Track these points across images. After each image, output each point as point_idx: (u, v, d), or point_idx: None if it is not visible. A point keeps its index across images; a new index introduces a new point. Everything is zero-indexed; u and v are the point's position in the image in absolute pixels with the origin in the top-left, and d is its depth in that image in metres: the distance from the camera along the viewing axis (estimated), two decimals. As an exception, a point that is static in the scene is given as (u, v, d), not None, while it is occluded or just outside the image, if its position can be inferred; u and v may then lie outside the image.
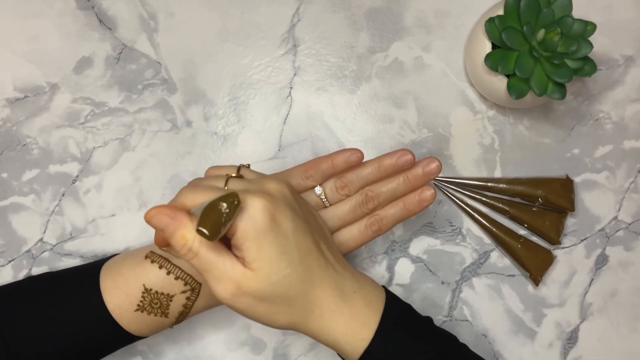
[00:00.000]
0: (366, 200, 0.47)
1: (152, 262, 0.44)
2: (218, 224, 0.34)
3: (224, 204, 0.35)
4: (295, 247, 0.38)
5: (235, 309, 0.38)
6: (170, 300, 0.44)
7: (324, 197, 0.47)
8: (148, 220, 0.37)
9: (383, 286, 0.45)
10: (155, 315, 0.44)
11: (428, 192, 0.47)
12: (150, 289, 0.43)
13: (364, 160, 0.47)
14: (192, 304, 0.44)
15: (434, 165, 0.47)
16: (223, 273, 0.37)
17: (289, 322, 0.40)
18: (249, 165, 0.42)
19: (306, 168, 0.47)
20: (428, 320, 0.46)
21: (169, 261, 0.44)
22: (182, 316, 0.45)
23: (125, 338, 0.45)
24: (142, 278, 0.44)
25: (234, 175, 0.40)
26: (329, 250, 0.42)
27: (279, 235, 0.37)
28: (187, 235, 0.36)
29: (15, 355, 0.42)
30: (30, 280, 0.47)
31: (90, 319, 0.43)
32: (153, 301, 0.43)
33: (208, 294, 0.45)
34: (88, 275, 0.45)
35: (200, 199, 0.36)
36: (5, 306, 0.44)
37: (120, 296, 0.43)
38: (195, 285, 0.44)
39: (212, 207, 0.35)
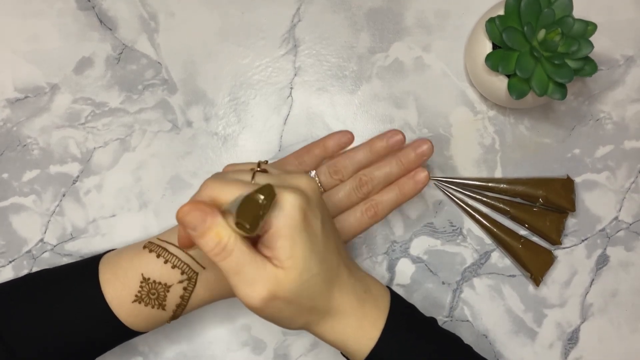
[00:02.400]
0: (360, 185, 0.47)
1: (150, 251, 0.44)
2: (257, 216, 0.33)
3: (261, 196, 0.33)
4: (322, 247, 0.38)
5: (262, 313, 0.37)
6: (168, 291, 0.43)
7: (318, 182, 0.47)
8: (181, 217, 0.35)
9: (387, 286, 0.45)
10: (153, 307, 0.43)
11: (422, 174, 0.47)
12: (148, 279, 0.43)
13: (356, 145, 0.47)
14: (189, 295, 0.44)
15: (425, 146, 0.47)
16: (256, 274, 0.35)
17: (305, 323, 0.39)
18: (267, 161, 0.41)
19: (299, 154, 0.48)
20: (432, 320, 0.46)
21: (167, 250, 0.44)
22: (180, 309, 0.44)
23: (123, 333, 0.44)
24: (141, 268, 0.43)
25: (258, 169, 0.39)
26: (343, 250, 0.42)
27: (310, 233, 0.36)
28: (221, 232, 0.34)
29: (13, 354, 0.42)
30: (29, 277, 0.47)
31: (88, 312, 0.43)
32: (151, 291, 0.43)
33: (205, 288, 0.44)
34: (86, 269, 0.45)
35: (229, 192, 0.35)
36: (4, 305, 0.44)
37: (118, 287, 0.43)
38: (192, 275, 0.44)
39: (249, 199, 0.33)
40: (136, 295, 0.43)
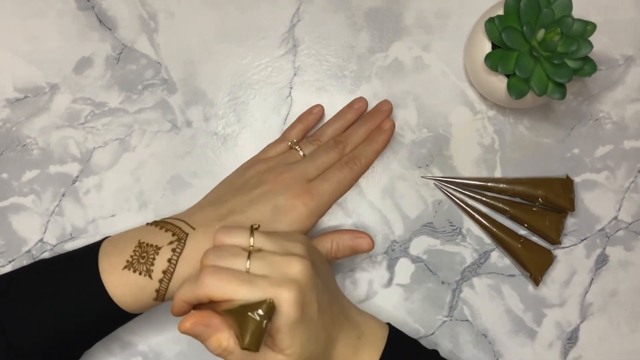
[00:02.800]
0: (335, 142, 0.51)
1: (151, 225, 0.46)
2: (260, 334, 0.36)
3: (261, 312, 0.36)
4: (320, 325, 0.40)
5: None
6: (157, 253, 0.44)
7: (300, 151, 0.51)
8: (183, 331, 0.38)
9: (388, 323, 0.47)
10: (140, 273, 0.44)
11: (388, 123, 0.51)
12: (143, 242, 0.45)
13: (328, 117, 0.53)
14: (177, 260, 0.44)
15: (387, 106, 0.53)
16: None
17: None
18: (258, 226, 0.42)
19: (284, 133, 0.53)
20: (434, 354, 0.47)
21: (165, 221, 0.46)
22: (166, 279, 0.44)
23: (110, 309, 0.44)
24: (139, 236, 0.45)
25: (249, 247, 0.40)
26: (341, 300, 0.45)
27: (309, 321, 0.39)
28: (221, 338, 0.38)
29: (10, 343, 0.43)
30: (37, 261, 0.48)
31: (80, 284, 0.44)
32: (142, 255, 0.44)
33: (194, 250, 0.45)
34: (89, 247, 0.47)
35: (225, 290, 0.37)
36: (4, 293, 0.45)
37: (114, 255, 0.45)
38: (182, 235, 0.45)
39: (249, 319, 0.36)
40: (127, 261, 0.44)
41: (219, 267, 0.38)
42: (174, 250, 0.44)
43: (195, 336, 0.38)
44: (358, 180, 0.50)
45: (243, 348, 0.36)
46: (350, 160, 0.49)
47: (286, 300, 0.37)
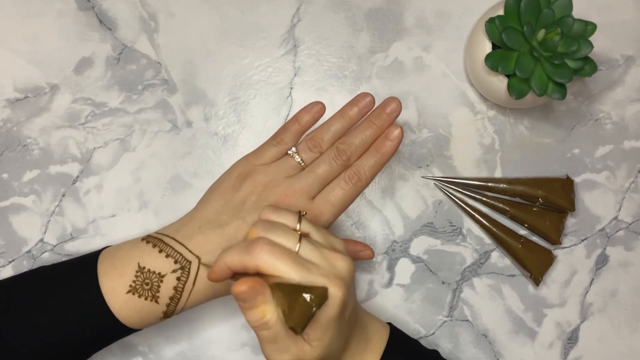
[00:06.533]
0: (339, 153, 0.47)
1: (147, 242, 0.45)
2: (308, 318, 0.36)
3: (313, 298, 0.36)
4: (347, 325, 0.41)
5: None
6: (161, 281, 0.43)
7: (298, 157, 0.47)
8: (237, 293, 0.37)
9: (389, 323, 0.48)
10: (146, 298, 0.43)
11: (396, 131, 0.47)
12: (144, 267, 0.44)
13: (330, 116, 0.49)
14: (183, 287, 0.44)
15: (394, 104, 0.48)
16: (287, 346, 0.39)
17: None
18: (306, 213, 0.41)
19: (277, 135, 0.48)
20: (434, 354, 0.48)
21: (162, 241, 0.45)
22: (173, 303, 0.44)
23: (116, 328, 0.44)
24: (138, 257, 0.44)
25: (297, 229, 0.40)
26: (357, 303, 0.45)
27: (342, 319, 0.39)
28: (266, 310, 0.38)
29: (9, 350, 0.42)
30: (30, 271, 0.47)
31: (83, 304, 0.43)
32: (145, 281, 0.43)
33: (206, 283, 0.44)
34: (86, 262, 0.45)
35: (278, 268, 0.37)
36: (3, 301, 0.44)
37: (114, 277, 0.44)
38: (185, 264, 0.44)
39: (302, 300, 0.35)
40: (130, 286, 0.43)
41: (274, 242, 0.38)
42: (178, 279, 0.44)
43: (243, 302, 0.37)
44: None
45: (290, 326, 0.36)
46: (355, 176, 0.46)
47: (333, 295, 0.37)
